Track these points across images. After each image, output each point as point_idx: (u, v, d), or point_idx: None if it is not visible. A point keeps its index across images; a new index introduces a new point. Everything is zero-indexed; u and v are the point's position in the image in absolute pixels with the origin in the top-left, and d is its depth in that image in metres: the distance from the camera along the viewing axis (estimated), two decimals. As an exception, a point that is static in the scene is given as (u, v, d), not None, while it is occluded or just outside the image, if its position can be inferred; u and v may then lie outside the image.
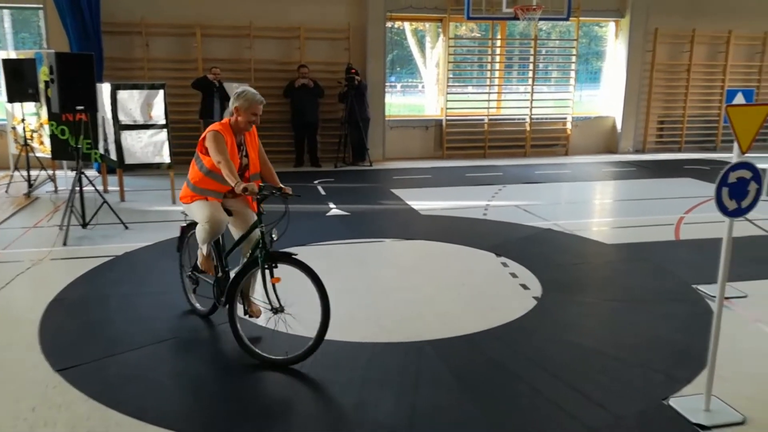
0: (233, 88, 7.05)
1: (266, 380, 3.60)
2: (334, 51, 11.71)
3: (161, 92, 7.99)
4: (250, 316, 4.13)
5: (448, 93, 12.54)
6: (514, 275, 5.45)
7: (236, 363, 3.79)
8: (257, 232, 3.83)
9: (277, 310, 3.78)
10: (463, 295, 4.99)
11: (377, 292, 5.09)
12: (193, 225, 4.23)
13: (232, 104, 3.93)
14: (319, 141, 11.60)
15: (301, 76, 10.95)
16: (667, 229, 6.96)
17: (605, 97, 13.75)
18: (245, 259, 4.01)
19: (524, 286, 5.16)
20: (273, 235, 3.83)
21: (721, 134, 13.65)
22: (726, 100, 4.22)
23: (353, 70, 11.09)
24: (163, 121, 8.04)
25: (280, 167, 11.07)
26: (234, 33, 11.21)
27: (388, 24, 12.22)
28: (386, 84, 12.29)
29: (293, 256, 3.72)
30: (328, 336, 3.68)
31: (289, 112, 11.29)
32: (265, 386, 3.56)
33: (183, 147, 11.00)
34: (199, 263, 4.26)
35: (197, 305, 4.53)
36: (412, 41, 13.86)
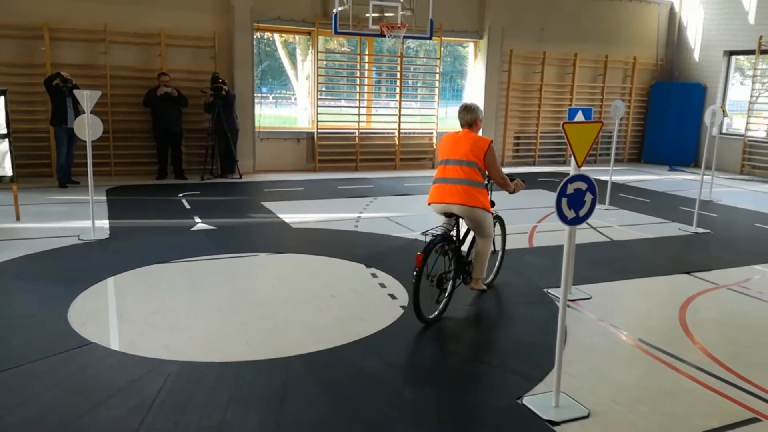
0: (83, 96, 6.64)
1: (117, 408, 3.36)
2: (199, 59, 11.33)
3: (1, 99, 7.28)
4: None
5: (319, 106, 12.58)
6: (383, 285, 5.55)
7: (82, 389, 3.51)
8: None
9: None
10: (332, 308, 4.99)
11: (245, 308, 4.96)
12: (438, 241, 4.58)
13: (473, 115, 4.91)
14: (184, 152, 11.14)
15: (162, 84, 10.47)
16: (522, 237, 7.45)
17: (468, 113, 14.46)
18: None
19: (392, 296, 5.27)
20: None
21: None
22: (568, 118, 4.59)
23: (221, 80, 10.80)
24: (4, 130, 7.31)
25: (141, 180, 10.61)
26: (87, 37, 10.49)
27: (258, 34, 12.05)
28: (256, 95, 12.09)
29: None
30: (191, 357, 3.53)
31: (150, 122, 10.74)
32: (118, 415, 3.32)
33: (29, 158, 10.13)
34: (482, 271, 5.04)
35: (433, 314, 4.70)
36: (282, 53, 13.77)
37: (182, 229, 7.38)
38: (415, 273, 4.40)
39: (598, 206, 6.39)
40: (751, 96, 13.86)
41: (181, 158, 11.04)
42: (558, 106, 14.64)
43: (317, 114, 12.55)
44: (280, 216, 8.25)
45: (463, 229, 5.12)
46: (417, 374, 3.85)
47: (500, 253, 5.65)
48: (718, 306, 5.33)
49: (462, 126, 4.96)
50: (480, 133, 5.02)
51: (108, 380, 3.66)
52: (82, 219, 7.51)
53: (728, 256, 6.84)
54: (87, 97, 6.65)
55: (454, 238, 4.89)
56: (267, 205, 8.96)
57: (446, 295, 4.83)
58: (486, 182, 4.92)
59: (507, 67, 13.89)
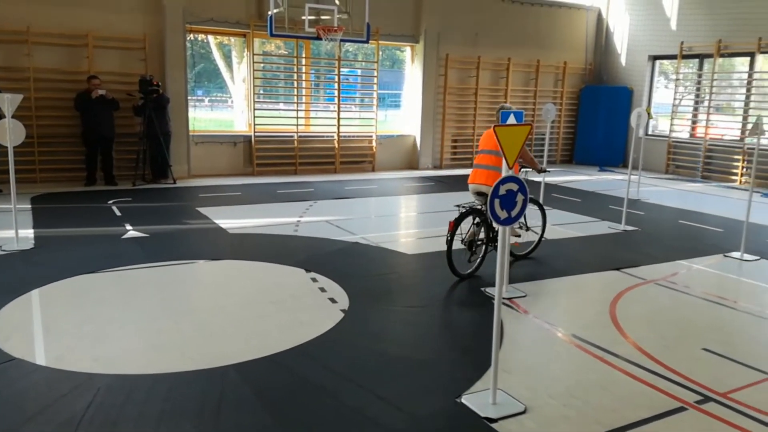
0: (3, 100, 6.31)
1: (45, 426, 3.19)
2: (128, 61, 10.96)
3: None
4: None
5: (256, 109, 12.40)
6: (323, 290, 5.50)
7: (6, 407, 3.31)
8: None
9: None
10: (271, 314, 4.91)
11: (179, 317, 4.81)
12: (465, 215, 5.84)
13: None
14: (114, 157, 10.74)
15: (94, 87, 10.08)
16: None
17: (406, 117, 14.63)
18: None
19: (332, 300, 5.24)
20: None
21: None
22: (500, 121, 4.68)
23: (155, 82, 10.49)
24: None
25: (68, 186, 10.16)
26: (9, 38, 9.98)
27: (191, 36, 11.77)
28: (191, 97, 11.80)
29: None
30: (122, 370, 3.39)
31: (79, 126, 10.31)
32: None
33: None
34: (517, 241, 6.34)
35: (467, 271, 5.92)
36: (217, 55, 13.50)
37: (113, 238, 7.11)
38: (448, 237, 5.73)
39: (532, 207, 6.89)
40: (675, 99, 14.56)
41: (112, 163, 10.65)
42: (493, 109, 14.92)
43: (254, 117, 12.36)
44: (217, 221, 8.07)
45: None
46: (356, 378, 3.83)
47: (540, 234, 6.89)
48: (647, 300, 5.56)
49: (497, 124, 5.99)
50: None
51: (35, 397, 3.48)
52: (5, 228, 7.12)
53: (655, 253, 7.14)
54: (8, 101, 6.33)
55: (485, 212, 5.89)
56: (202, 210, 8.75)
57: (478, 257, 6.04)
58: (517, 172, 5.78)
59: (443, 71, 14.09)
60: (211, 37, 12.97)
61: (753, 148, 7.11)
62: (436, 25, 13.80)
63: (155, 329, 4.53)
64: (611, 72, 15.96)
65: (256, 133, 12.43)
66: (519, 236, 6.50)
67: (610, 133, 15.53)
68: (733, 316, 5.22)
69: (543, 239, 6.94)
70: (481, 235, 6.05)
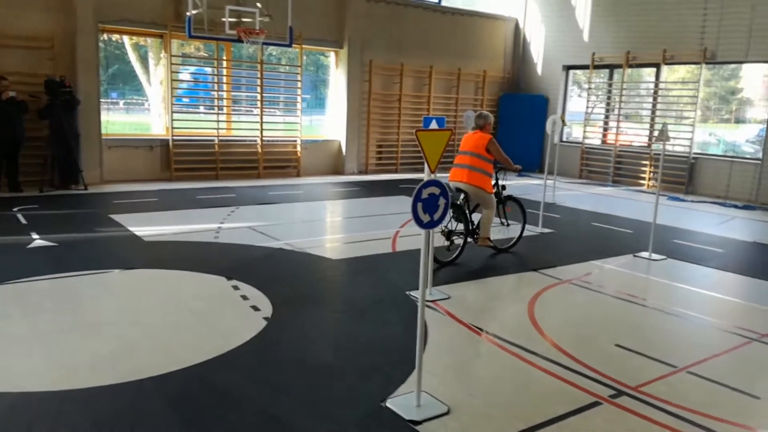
0: None
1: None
2: (35, 61, 10.34)
3: None
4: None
5: (174, 112, 12.00)
6: (245, 297, 5.36)
7: None
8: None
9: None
10: (189, 324, 4.74)
11: (91, 330, 4.55)
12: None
13: (483, 121, 6.76)
14: (20, 162, 10.08)
15: (4, 89, 9.47)
16: (386, 243, 7.58)
17: (331, 122, 14.58)
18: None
19: (255, 308, 5.11)
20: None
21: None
22: (423, 125, 4.73)
23: (67, 84, 9.95)
24: None
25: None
26: None
27: (104, 36, 11.25)
28: (104, 100, 11.27)
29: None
30: (27, 388, 3.16)
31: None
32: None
33: None
34: (487, 232, 6.82)
35: (447, 259, 6.64)
36: (133, 56, 12.95)
37: (17, 247, 6.66)
38: None
39: (513, 204, 7.12)
40: (587, 107, 15.27)
41: (17, 169, 10.00)
42: (417, 115, 15.16)
43: (172, 121, 11.96)
44: (131, 229, 7.72)
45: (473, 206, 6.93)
46: (279, 387, 3.74)
47: (521, 227, 7.61)
48: (563, 300, 5.76)
49: (475, 128, 6.84)
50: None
51: None
52: None
53: (570, 254, 7.43)
54: None
55: (464, 207, 6.74)
56: (116, 217, 8.35)
57: (457, 247, 6.72)
58: (492, 171, 6.79)
59: (367, 77, 14.15)
60: (126, 38, 12.44)
61: (659, 154, 7.54)
62: (360, 31, 13.85)
63: (64, 344, 4.26)
64: (528, 80, 16.55)
65: (175, 137, 12.03)
66: (492, 246, 7.09)
67: (527, 140, 16.07)
68: (643, 313, 5.50)
69: (524, 233, 7.65)
70: (461, 227, 6.72)
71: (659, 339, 4.86)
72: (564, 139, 15.92)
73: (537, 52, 16.32)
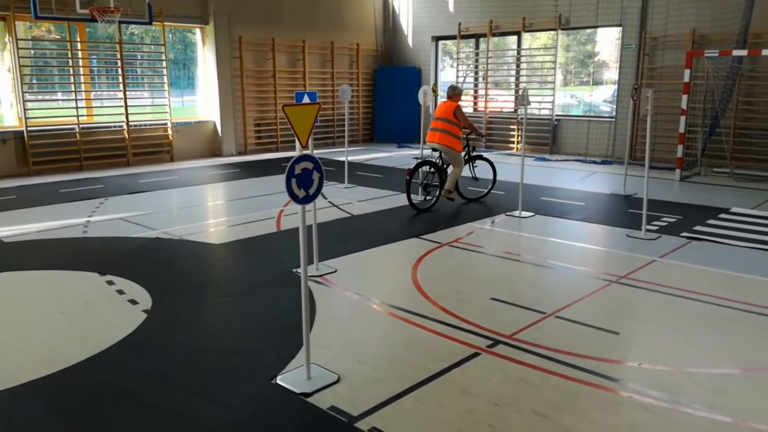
0: None
1: None
2: None
3: None
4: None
5: (27, 101, 11.02)
6: (121, 292, 5.12)
7: None
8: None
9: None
10: (62, 325, 4.46)
11: (-54, 343, 4.16)
12: (420, 165, 8.10)
13: (453, 92, 8.27)
14: None
15: None
16: (270, 222, 7.51)
17: (203, 102, 14.04)
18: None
19: (133, 301, 4.90)
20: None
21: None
22: (296, 100, 4.72)
23: None
24: None
25: None
26: None
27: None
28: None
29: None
30: None
31: None
32: None
33: None
34: (450, 186, 8.17)
35: (424, 207, 8.12)
36: (-29, 41, 11.68)
37: None
38: (406, 180, 7.95)
39: (338, 185, 7.15)
40: (457, 77, 15.79)
41: None
42: (293, 91, 14.89)
43: (25, 110, 10.99)
44: (-12, 231, 7.09)
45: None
46: (165, 377, 3.65)
47: (492, 182, 9.06)
48: (443, 261, 6.04)
49: (448, 98, 8.28)
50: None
51: None
52: None
53: (449, 218, 7.75)
54: None
55: (439, 164, 8.20)
56: (-31, 219, 7.61)
57: (432, 197, 8.26)
58: (459, 133, 8.22)
59: (238, 54, 13.73)
60: (-41, 20, 11.18)
61: (524, 118, 8.05)
62: (226, 5, 13.37)
63: None
64: (400, 53, 16.82)
65: (29, 128, 11.08)
66: (453, 200, 8.38)
67: (404, 111, 16.37)
68: (516, 267, 5.89)
69: (493, 187, 9.03)
70: (435, 181, 8.16)
71: (531, 290, 5.24)
72: (438, 108, 16.41)
73: (407, 24, 16.59)
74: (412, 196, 8.11)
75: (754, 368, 3.77)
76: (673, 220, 7.60)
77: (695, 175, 11.03)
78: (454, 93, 8.21)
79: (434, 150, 8.20)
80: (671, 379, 3.63)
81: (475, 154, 8.92)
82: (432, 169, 8.17)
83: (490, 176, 9.07)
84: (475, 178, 8.94)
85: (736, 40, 10.77)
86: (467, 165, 8.73)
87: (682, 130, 10.52)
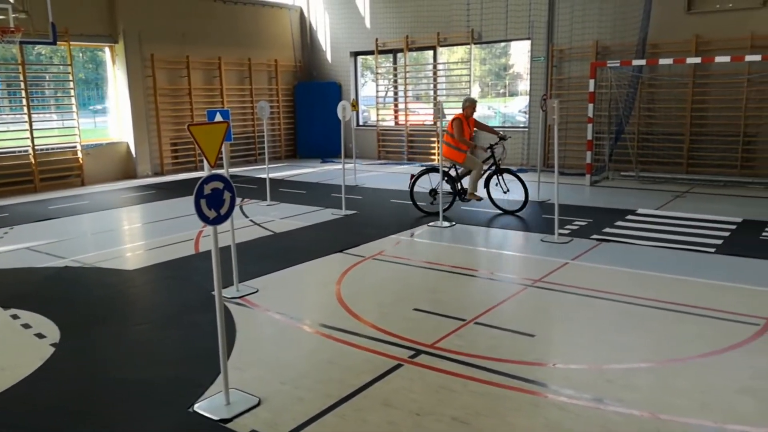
0: None
1: None
2: None
3: None
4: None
5: None
6: (26, 326, 4.83)
7: None
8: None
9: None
10: (-41, 366, 4.16)
11: None
12: (425, 172, 8.77)
13: (463, 105, 8.76)
14: None
15: None
16: (189, 244, 7.30)
17: (115, 123, 13.53)
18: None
19: (40, 335, 4.63)
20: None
21: (258, 150, 15.10)
22: (207, 119, 4.63)
23: None
24: None
25: None
26: None
27: None
28: None
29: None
30: None
31: None
32: None
33: None
34: (472, 188, 8.70)
35: (426, 210, 8.62)
36: None
37: None
38: (410, 184, 8.70)
39: (261, 203, 7.03)
40: (378, 91, 15.98)
41: None
42: (210, 108, 14.64)
43: None
44: None
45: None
46: (76, 412, 3.46)
47: (525, 195, 8.70)
48: (366, 275, 6.05)
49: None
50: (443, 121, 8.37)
51: None
52: None
53: (372, 231, 7.79)
54: None
55: (452, 173, 8.69)
56: None
57: (436, 203, 8.33)
58: (462, 146, 8.53)
59: (150, 72, 13.34)
60: None
61: (439, 131, 8.25)
62: (136, 24, 12.98)
63: None
64: (320, 68, 16.85)
65: None
66: (480, 198, 8.80)
67: (326, 126, 16.37)
68: (437, 277, 5.98)
69: (528, 199, 8.75)
70: (448, 188, 8.65)
71: (452, 298, 5.33)
72: (360, 123, 16.54)
73: (324, 40, 16.65)
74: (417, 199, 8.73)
75: (661, 360, 3.99)
76: (584, 223, 7.96)
77: (604, 180, 11.62)
78: (463, 107, 8.71)
79: (446, 160, 8.73)
80: (584, 377, 3.78)
81: (503, 167, 8.80)
82: (446, 178, 8.58)
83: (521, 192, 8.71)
84: (505, 190, 8.80)
85: (635, 51, 11.47)
86: (496, 176, 8.71)
87: (590, 137, 11.07)
